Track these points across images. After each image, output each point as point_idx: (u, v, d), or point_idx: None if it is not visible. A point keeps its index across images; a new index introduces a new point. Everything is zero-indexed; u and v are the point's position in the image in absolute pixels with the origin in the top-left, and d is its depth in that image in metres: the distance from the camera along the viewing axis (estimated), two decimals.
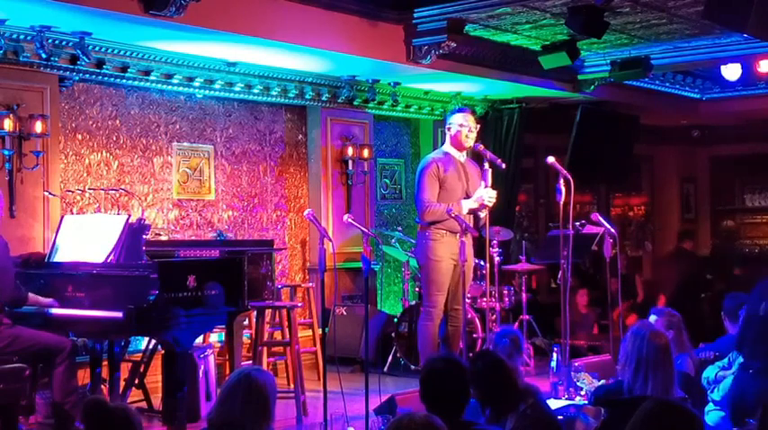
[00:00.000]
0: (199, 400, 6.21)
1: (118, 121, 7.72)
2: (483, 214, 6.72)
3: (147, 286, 5.27)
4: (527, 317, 8.46)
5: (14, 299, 5.52)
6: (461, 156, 6.81)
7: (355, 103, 9.07)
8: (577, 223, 7.32)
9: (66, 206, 7.24)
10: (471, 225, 6.58)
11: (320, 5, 7.29)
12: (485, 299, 7.99)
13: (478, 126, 6.96)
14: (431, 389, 3.74)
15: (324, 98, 8.85)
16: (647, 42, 8.57)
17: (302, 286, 8.53)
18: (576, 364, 5.99)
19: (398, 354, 8.32)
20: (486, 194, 6.64)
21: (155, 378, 6.43)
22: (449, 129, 6.82)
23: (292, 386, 6.81)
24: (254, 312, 6.83)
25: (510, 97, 10.14)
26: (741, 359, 5.29)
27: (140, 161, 7.87)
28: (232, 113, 8.61)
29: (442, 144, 7.02)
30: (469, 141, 6.76)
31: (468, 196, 6.71)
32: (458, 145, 6.76)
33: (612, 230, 7.13)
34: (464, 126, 6.73)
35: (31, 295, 5.59)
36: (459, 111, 6.91)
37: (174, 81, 7.68)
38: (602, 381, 5.56)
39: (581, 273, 10.62)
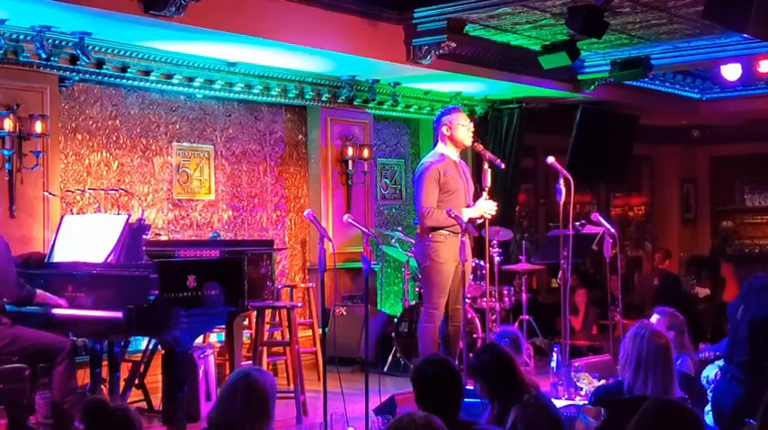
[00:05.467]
0: (199, 400, 6.21)
1: (118, 121, 7.72)
2: (478, 221, 6.71)
3: (147, 286, 5.27)
4: (527, 317, 8.46)
5: (20, 297, 5.51)
6: (456, 157, 6.74)
7: (355, 103, 9.07)
8: (577, 223, 7.31)
9: (66, 206, 7.24)
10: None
11: (320, 5, 7.29)
12: (485, 299, 7.99)
13: (471, 125, 6.92)
14: (422, 390, 3.76)
15: (324, 98, 8.86)
16: (647, 42, 8.57)
17: (302, 286, 8.53)
18: (576, 364, 5.99)
19: (398, 354, 8.33)
20: (488, 206, 6.62)
21: (155, 378, 6.44)
22: (447, 128, 6.65)
23: (292, 386, 6.81)
24: (254, 312, 6.83)
25: (510, 97, 10.15)
26: (722, 363, 5.29)
27: (140, 161, 7.88)
28: (232, 113, 8.61)
29: (435, 145, 6.88)
30: (470, 139, 6.72)
31: (467, 195, 6.70)
32: (456, 143, 6.69)
33: (612, 230, 7.12)
34: (462, 125, 6.66)
35: (38, 291, 5.58)
36: (453, 110, 6.78)
37: (174, 81, 7.68)
38: (602, 381, 5.56)
39: (581, 273, 10.62)
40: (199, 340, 6.38)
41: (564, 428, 4.14)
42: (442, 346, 6.63)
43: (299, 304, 7.80)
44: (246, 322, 7.36)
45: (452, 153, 6.69)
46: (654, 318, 5.53)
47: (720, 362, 5.52)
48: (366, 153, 9.19)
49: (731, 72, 9.79)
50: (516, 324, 8.42)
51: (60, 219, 6.28)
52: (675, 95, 11.30)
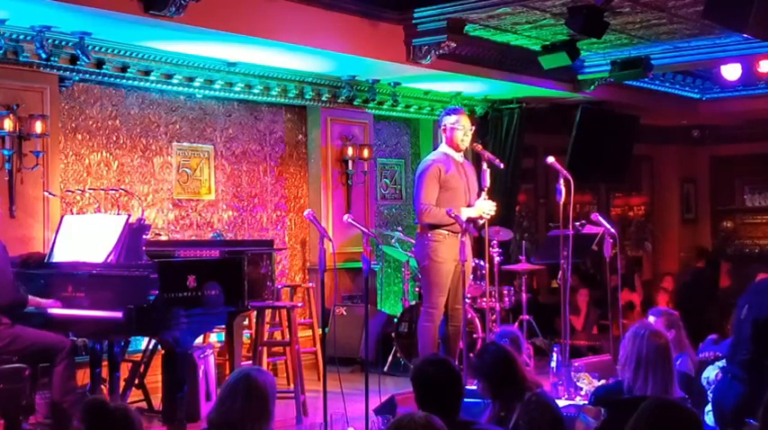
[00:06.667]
0: (199, 400, 6.21)
1: (118, 121, 7.72)
2: (480, 222, 6.72)
3: (146, 286, 5.27)
4: (527, 317, 8.46)
5: (15, 301, 5.50)
6: (459, 157, 6.78)
7: (355, 103, 9.07)
8: (577, 223, 7.31)
9: (66, 206, 7.24)
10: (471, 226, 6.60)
11: (320, 5, 7.29)
12: (485, 299, 7.99)
13: (473, 128, 6.92)
14: (422, 390, 3.76)
15: (324, 98, 8.85)
16: (647, 42, 8.57)
17: (302, 286, 8.53)
18: (576, 364, 5.99)
19: (398, 354, 8.33)
20: (487, 206, 6.64)
21: (155, 378, 6.43)
22: (444, 130, 6.76)
23: (292, 386, 6.81)
24: (254, 312, 6.83)
25: (510, 97, 10.14)
26: (722, 363, 5.31)
27: (140, 161, 7.87)
28: (232, 113, 8.61)
29: (439, 145, 6.98)
30: (465, 143, 6.74)
31: (467, 195, 6.71)
32: (454, 146, 6.73)
33: (612, 230, 7.12)
34: (458, 129, 6.69)
35: (31, 297, 5.58)
36: (453, 112, 6.82)
37: (174, 81, 7.68)
38: (602, 381, 5.56)
39: (581, 273, 10.62)
40: (199, 340, 6.38)
41: (565, 427, 4.14)
42: (442, 346, 6.64)
43: (299, 304, 7.80)
44: (246, 322, 7.36)
45: (453, 153, 6.74)
46: (650, 320, 5.53)
47: (720, 363, 5.53)
48: (366, 153, 9.19)
49: (731, 72, 9.80)
50: (516, 324, 8.41)
51: (60, 219, 6.28)
52: (675, 95, 11.30)
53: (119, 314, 5.25)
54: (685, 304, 10.26)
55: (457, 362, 5.61)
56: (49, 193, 6.80)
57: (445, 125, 6.74)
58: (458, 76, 8.79)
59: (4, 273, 5.46)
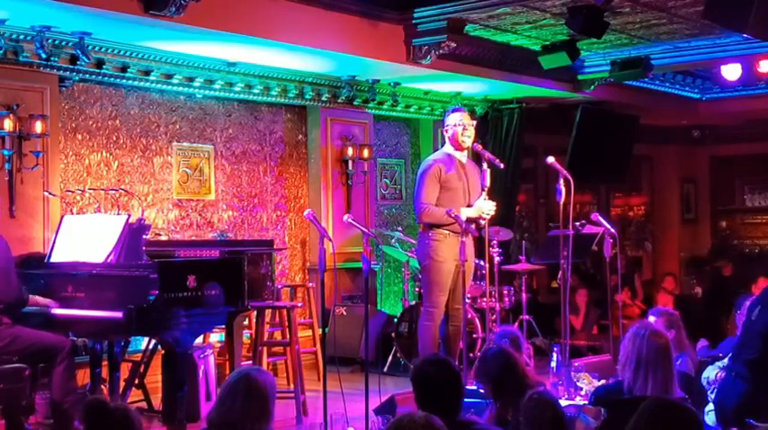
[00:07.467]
0: (199, 400, 6.21)
1: (118, 121, 7.72)
2: (482, 222, 6.73)
3: (147, 286, 5.27)
4: (527, 317, 8.45)
5: (18, 299, 5.51)
6: (462, 157, 6.82)
7: (355, 103, 9.07)
8: (577, 223, 7.31)
9: (66, 206, 7.24)
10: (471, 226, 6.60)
11: (320, 5, 7.29)
12: (485, 299, 7.99)
13: (474, 123, 6.94)
14: (422, 390, 3.77)
15: (324, 98, 8.85)
16: (647, 42, 8.57)
17: (302, 286, 8.53)
18: (576, 364, 5.99)
19: (398, 354, 8.33)
20: (486, 206, 6.66)
21: (155, 378, 6.44)
22: (446, 130, 6.82)
23: (292, 386, 6.80)
24: (254, 312, 6.83)
25: (510, 97, 10.14)
26: (726, 361, 5.32)
27: (140, 161, 7.87)
28: (232, 113, 8.61)
29: (443, 145, 7.02)
30: (467, 140, 6.75)
31: (467, 195, 6.71)
32: (456, 145, 6.76)
33: (612, 230, 7.13)
34: (459, 125, 6.73)
35: (31, 296, 5.59)
36: (454, 110, 6.88)
37: (174, 81, 7.68)
38: (602, 381, 5.56)
39: (581, 273, 10.62)
40: (199, 340, 6.38)
41: (566, 426, 4.14)
42: (442, 346, 6.65)
43: (299, 304, 7.79)
44: (246, 322, 7.36)
45: (456, 153, 6.77)
46: (650, 320, 5.54)
47: (720, 363, 5.54)
48: (366, 153, 9.19)
49: (731, 72, 9.80)
50: (516, 324, 8.41)
51: (60, 219, 6.28)
52: (675, 95, 11.31)
53: (119, 314, 5.25)
54: (706, 309, 10.27)
55: (457, 363, 5.61)
56: (49, 193, 6.80)
57: (447, 125, 6.80)
58: (458, 76, 8.79)
59: (9, 270, 5.47)
